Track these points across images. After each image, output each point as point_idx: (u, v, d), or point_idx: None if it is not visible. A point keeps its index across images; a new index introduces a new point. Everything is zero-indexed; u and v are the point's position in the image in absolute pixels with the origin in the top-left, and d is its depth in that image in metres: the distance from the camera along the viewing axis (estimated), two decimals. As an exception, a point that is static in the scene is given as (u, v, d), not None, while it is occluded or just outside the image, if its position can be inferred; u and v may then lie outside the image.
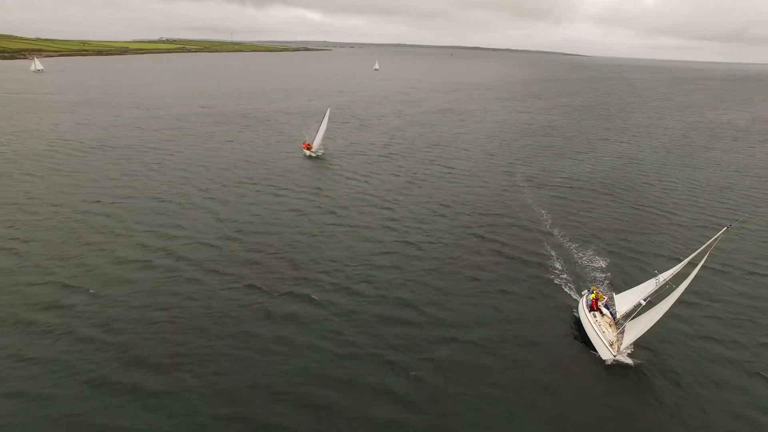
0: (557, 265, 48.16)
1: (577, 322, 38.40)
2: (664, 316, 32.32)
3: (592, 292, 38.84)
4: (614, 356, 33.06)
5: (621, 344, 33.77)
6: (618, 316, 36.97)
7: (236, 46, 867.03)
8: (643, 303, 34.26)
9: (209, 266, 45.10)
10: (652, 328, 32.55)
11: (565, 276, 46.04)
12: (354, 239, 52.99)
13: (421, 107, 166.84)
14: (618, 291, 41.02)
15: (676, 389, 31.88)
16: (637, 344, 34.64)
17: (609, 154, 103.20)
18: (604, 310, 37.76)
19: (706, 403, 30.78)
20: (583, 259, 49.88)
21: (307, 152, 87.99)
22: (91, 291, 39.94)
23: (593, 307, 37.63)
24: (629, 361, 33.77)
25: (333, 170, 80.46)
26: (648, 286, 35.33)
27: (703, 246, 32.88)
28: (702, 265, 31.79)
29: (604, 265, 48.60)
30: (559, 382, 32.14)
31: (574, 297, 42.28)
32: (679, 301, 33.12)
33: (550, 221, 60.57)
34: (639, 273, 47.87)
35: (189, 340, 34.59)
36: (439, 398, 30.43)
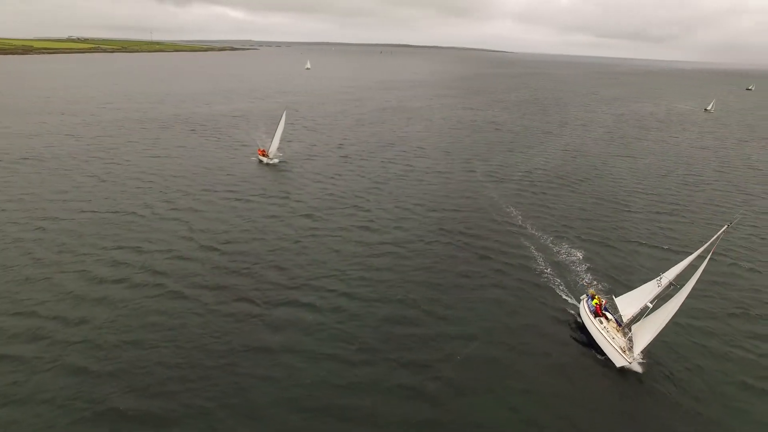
0: (540, 260, 49.79)
1: (581, 328, 38.30)
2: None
3: (593, 298, 39.00)
4: (629, 363, 33.06)
5: (634, 350, 33.52)
6: (625, 320, 36.65)
7: (157, 46, 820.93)
8: (650, 306, 34.46)
9: (194, 281, 42.58)
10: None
11: (549, 270, 47.63)
12: (338, 243, 52.06)
13: (366, 106, 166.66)
14: (615, 293, 42.26)
15: (680, 367, 34.07)
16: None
17: (556, 147, 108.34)
18: (609, 315, 37.86)
19: (708, 376, 33.25)
20: (561, 252, 51.90)
21: (264, 159, 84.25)
22: (71, 317, 36.45)
23: (598, 313, 37.66)
24: (642, 363, 33.73)
25: (296, 174, 78.43)
26: (651, 288, 35.52)
27: (705, 246, 33.73)
28: (705, 261, 32.71)
29: (581, 256, 50.83)
30: (574, 383, 32.97)
31: (562, 293, 43.54)
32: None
33: (520, 216, 62.56)
34: (616, 260, 50.84)
35: (193, 361, 32.47)
36: (463, 395, 30.66)
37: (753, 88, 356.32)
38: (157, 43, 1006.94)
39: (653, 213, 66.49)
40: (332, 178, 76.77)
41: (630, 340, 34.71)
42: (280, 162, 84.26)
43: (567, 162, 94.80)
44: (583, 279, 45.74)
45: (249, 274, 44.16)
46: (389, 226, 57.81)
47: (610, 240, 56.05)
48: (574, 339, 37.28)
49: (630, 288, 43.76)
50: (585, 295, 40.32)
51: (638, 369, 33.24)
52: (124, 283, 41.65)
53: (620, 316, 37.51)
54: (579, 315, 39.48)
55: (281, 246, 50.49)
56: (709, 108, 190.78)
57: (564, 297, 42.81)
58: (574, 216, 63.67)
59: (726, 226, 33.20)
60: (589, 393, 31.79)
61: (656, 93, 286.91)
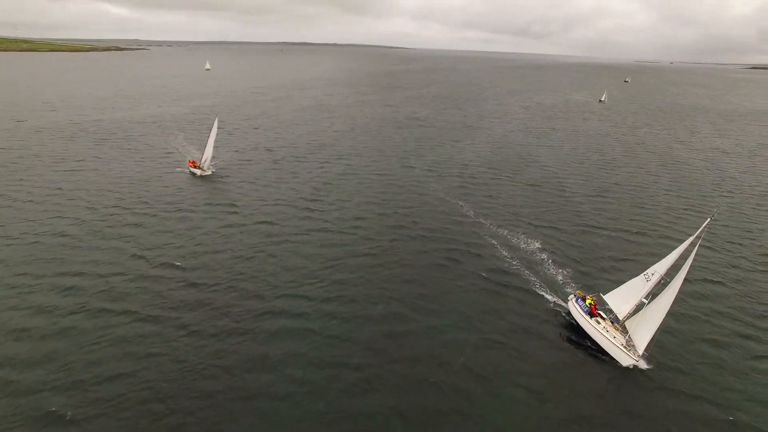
0: (504, 252, 51.75)
1: (575, 329, 38.30)
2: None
3: (583, 299, 39.17)
4: (637, 361, 33.29)
5: (638, 347, 33.80)
6: (621, 318, 37.05)
7: (26, 45, 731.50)
8: (646, 302, 34.93)
9: (163, 302, 39.19)
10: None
11: (516, 262, 49.54)
12: (304, 248, 50.70)
13: (285, 107, 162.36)
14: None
15: (679, 354, 36.35)
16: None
17: (482, 140, 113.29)
18: (603, 314, 37.92)
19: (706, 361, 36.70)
20: (520, 242, 54.36)
21: (198, 171, 77.16)
22: (28, 358, 31.94)
23: (593, 313, 37.61)
24: (645, 357, 34.00)
25: (234, 182, 74.34)
26: (641, 284, 36.16)
27: (690, 239, 34.24)
28: (690, 254, 33.10)
29: (539, 245, 53.54)
30: (582, 381, 33.27)
31: (535, 285, 44.83)
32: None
33: (471, 210, 64.61)
34: (572, 242, 54.47)
35: (189, 389, 29.88)
36: (473, 392, 31.29)
37: (630, 81, 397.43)
38: (26, 41, 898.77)
39: (586, 196, 72.19)
40: (275, 183, 74.09)
41: (630, 337, 34.96)
42: (215, 171, 79.07)
43: (495, 153, 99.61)
44: (549, 268, 48.23)
45: (222, 290, 41.55)
46: (348, 227, 57.22)
47: (559, 224, 59.97)
48: (571, 340, 37.34)
49: (594, 271, 47.65)
50: (572, 296, 40.44)
51: (643, 365, 33.81)
52: (82, 312, 37.32)
53: (615, 314, 37.93)
54: (570, 316, 39.54)
55: (246, 256, 48.09)
56: (602, 99, 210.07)
57: (540, 291, 43.93)
58: (519, 204, 67.22)
59: (708, 219, 34.09)
60: (599, 391, 32.26)
61: (551, 85, 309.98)
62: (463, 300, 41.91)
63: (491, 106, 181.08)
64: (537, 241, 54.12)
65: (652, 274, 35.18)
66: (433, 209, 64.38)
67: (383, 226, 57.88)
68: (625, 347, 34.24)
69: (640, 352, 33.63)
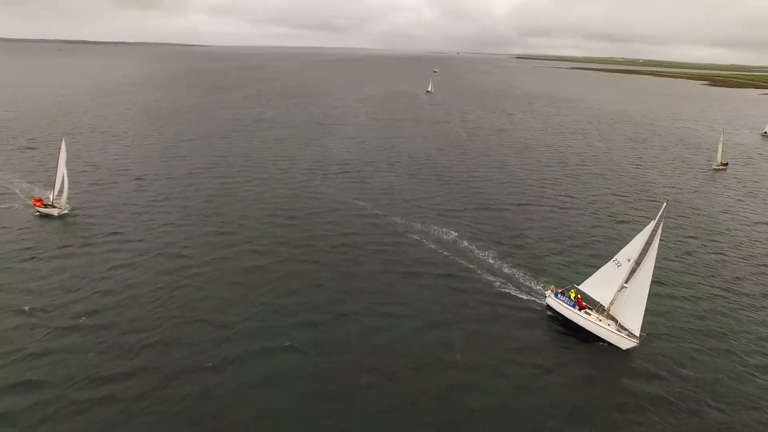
0: (430, 244, 54.31)
1: (565, 323, 39.58)
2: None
3: (562, 293, 40.40)
4: (635, 343, 35.16)
5: (632, 330, 35.51)
6: (606, 305, 38.52)
7: None
8: (627, 286, 36.55)
9: (102, 361, 32.74)
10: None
11: (445, 252, 52.30)
12: (235, 267, 47.55)
13: (107, 117, 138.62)
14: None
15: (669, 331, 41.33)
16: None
17: (341, 136, 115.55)
18: (589, 305, 39.43)
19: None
20: (438, 232, 57.48)
21: (54, 211, 60.42)
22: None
23: (581, 306, 39.23)
24: (642, 341, 35.94)
25: (102, 211, 61.68)
26: (613, 270, 37.94)
27: (652, 222, 36.32)
28: (659, 236, 35.84)
29: (456, 233, 56.96)
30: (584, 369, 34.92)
31: (481, 276, 47.06)
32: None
33: (375, 207, 65.93)
34: (483, 219, 60.38)
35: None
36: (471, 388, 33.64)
37: (438, 71, 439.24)
38: None
39: (461, 180, 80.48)
40: (153, 204, 65.08)
41: (621, 323, 36.74)
42: (69, 212, 61.90)
43: (362, 148, 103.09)
44: (477, 252, 52.12)
45: (169, 327, 36.83)
46: (266, 236, 55.45)
47: (456, 207, 66.08)
48: (561, 333, 38.97)
49: (507, 239, 54.56)
50: (550, 292, 41.44)
51: (640, 345, 35.78)
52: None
53: (599, 304, 39.37)
54: (554, 311, 40.76)
55: (173, 287, 43.13)
56: (429, 89, 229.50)
57: (486, 281, 46.52)
58: (413, 194, 71.56)
59: (665, 204, 36.98)
60: (606, 376, 34.34)
61: (370, 77, 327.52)
62: (422, 293, 43.84)
63: (329, 101, 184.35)
64: (453, 231, 57.63)
65: (628, 260, 37.10)
66: (339, 210, 64.50)
67: (303, 234, 56.35)
68: (621, 332, 36.21)
69: (637, 334, 35.58)
